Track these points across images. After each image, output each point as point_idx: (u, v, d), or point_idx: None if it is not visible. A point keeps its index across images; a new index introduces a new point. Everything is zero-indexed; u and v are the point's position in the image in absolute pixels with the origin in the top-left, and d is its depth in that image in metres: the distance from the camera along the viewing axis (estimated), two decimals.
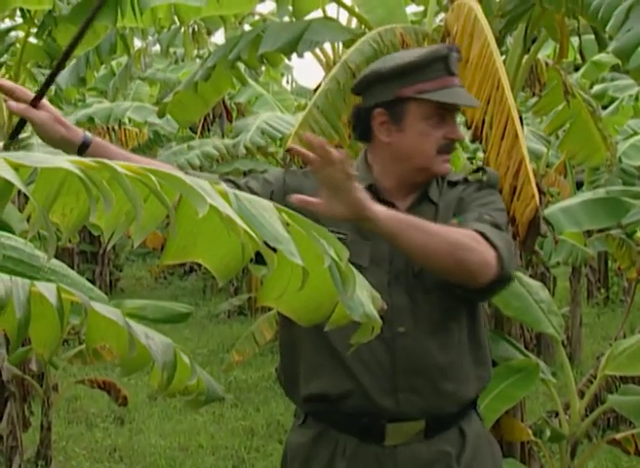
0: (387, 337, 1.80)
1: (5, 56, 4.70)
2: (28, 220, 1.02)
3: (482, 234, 1.70)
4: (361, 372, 1.82)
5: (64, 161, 0.86)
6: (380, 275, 1.80)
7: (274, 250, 0.91)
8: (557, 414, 3.39)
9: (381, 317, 1.75)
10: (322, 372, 1.85)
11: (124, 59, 6.86)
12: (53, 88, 5.67)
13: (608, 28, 2.16)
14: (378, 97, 1.82)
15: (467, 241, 1.68)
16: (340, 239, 1.72)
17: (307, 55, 3.60)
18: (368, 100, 1.84)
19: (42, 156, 0.89)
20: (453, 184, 1.89)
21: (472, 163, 7.76)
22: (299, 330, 1.75)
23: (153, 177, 0.88)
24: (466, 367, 1.88)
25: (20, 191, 0.87)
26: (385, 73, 1.80)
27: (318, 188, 1.63)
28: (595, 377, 3.27)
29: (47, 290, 1.04)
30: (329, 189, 1.58)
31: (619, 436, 3.13)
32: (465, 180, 1.89)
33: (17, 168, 0.85)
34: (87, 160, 0.87)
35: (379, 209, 1.61)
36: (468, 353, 1.88)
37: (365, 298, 1.08)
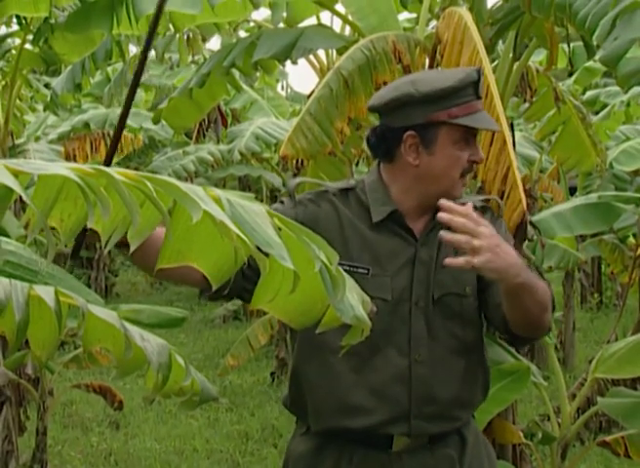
0: (404, 366, 1.83)
1: (1, 62, 4.73)
2: (26, 227, 1.05)
3: (547, 285, 1.82)
4: (376, 404, 1.83)
5: (63, 168, 0.89)
6: (403, 305, 1.83)
7: (266, 254, 0.94)
8: (549, 418, 3.42)
9: (399, 346, 1.83)
10: (334, 404, 1.86)
11: (119, 65, 6.88)
12: (48, 93, 5.70)
13: (595, 37, 2.20)
14: (409, 120, 1.81)
15: (548, 302, 1.80)
16: (361, 274, 1.79)
17: (302, 61, 3.65)
18: (396, 122, 1.82)
19: (41, 163, 0.92)
20: None
21: None
22: (310, 363, 1.84)
23: (149, 184, 0.91)
24: (477, 392, 1.94)
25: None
26: (419, 97, 1.79)
27: (337, 214, 1.82)
28: (587, 381, 3.31)
29: (45, 293, 1.07)
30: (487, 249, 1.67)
31: (609, 438, 3.16)
32: (476, 208, 1.85)
33: (16, 174, 0.88)
34: (84, 166, 0.90)
35: (521, 274, 1.70)
36: (479, 379, 1.94)
37: (355, 301, 1.11)
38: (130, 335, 1.11)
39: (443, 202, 1.69)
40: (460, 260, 1.65)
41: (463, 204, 1.84)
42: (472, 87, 1.81)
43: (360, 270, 1.81)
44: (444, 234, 1.67)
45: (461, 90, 1.80)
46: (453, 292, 1.86)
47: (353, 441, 1.86)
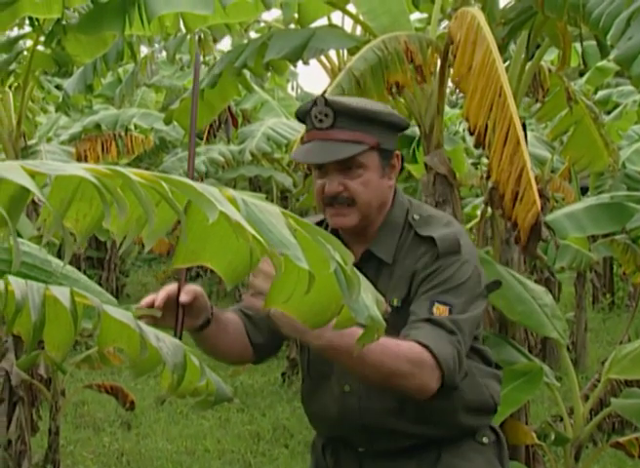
0: (337, 395, 1.87)
1: (14, 64, 4.75)
2: (39, 228, 1.05)
3: (427, 347, 1.65)
4: (324, 423, 1.96)
5: (79, 168, 0.89)
6: None
7: (281, 255, 0.94)
8: (562, 419, 3.41)
9: (337, 376, 1.83)
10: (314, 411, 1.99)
11: (130, 67, 6.90)
12: (60, 95, 5.72)
13: (609, 37, 2.19)
14: None
15: (406, 368, 1.64)
16: None
17: (313, 61, 3.64)
18: None
19: (57, 164, 0.92)
20: (421, 238, 1.82)
21: (477, 168, 7.78)
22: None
23: (164, 184, 0.91)
24: (426, 419, 1.83)
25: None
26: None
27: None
28: (599, 381, 3.29)
29: (61, 293, 1.07)
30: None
31: (622, 439, 3.15)
32: (428, 239, 1.79)
33: (33, 175, 0.88)
34: (100, 167, 0.91)
35: (323, 335, 1.56)
36: (427, 408, 1.80)
37: (369, 301, 1.10)
38: (145, 335, 1.11)
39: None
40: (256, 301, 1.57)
41: (424, 237, 1.80)
42: (307, 117, 1.79)
43: None
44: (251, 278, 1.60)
45: (302, 119, 1.82)
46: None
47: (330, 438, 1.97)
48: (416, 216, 1.85)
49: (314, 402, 1.95)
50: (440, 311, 1.72)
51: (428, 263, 1.78)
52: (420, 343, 1.67)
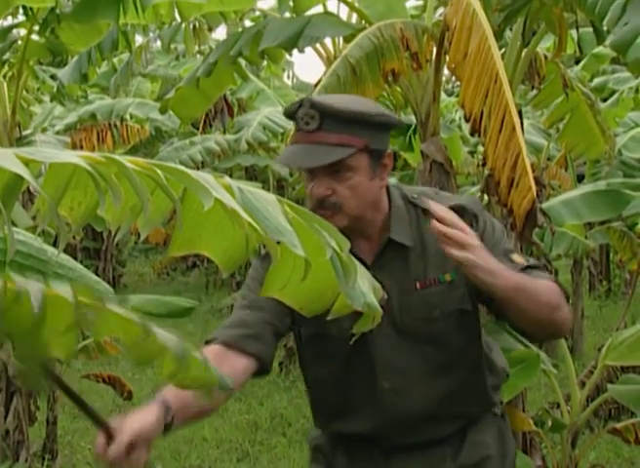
0: (372, 392, 1.82)
1: (7, 53, 4.72)
2: (34, 217, 1.04)
3: (556, 282, 1.79)
4: (352, 417, 1.87)
5: (73, 156, 0.88)
6: (364, 336, 1.64)
7: (277, 242, 0.93)
8: (558, 405, 3.42)
9: (366, 373, 1.80)
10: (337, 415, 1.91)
11: (125, 56, 6.88)
12: (54, 85, 5.70)
13: (605, 22, 2.19)
14: None
15: (557, 299, 1.76)
16: None
17: (308, 50, 3.63)
18: None
19: (51, 151, 0.92)
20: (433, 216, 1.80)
21: (473, 156, 7.78)
22: (318, 372, 1.88)
23: (159, 171, 0.91)
24: (474, 399, 1.88)
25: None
26: None
27: None
28: (596, 368, 3.30)
29: (63, 289, 1.06)
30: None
31: (619, 425, 3.16)
32: (455, 210, 1.77)
33: (27, 163, 0.87)
34: (94, 154, 0.90)
35: (499, 274, 1.67)
36: (477, 386, 1.88)
37: (366, 288, 1.10)
38: (147, 324, 1.10)
39: (433, 207, 1.67)
40: (455, 252, 1.64)
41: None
42: (293, 118, 1.75)
43: None
44: (437, 226, 1.65)
45: (290, 118, 1.78)
46: (421, 317, 1.80)
47: (348, 436, 1.91)
48: (414, 195, 1.85)
49: (335, 399, 1.87)
50: (518, 259, 1.80)
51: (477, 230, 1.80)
52: (552, 280, 1.79)
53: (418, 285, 1.80)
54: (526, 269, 1.77)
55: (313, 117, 1.71)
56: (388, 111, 1.82)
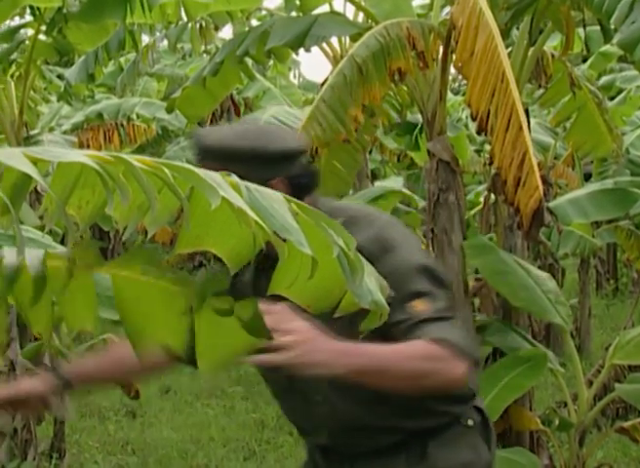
0: (307, 406, 1.84)
1: (15, 53, 4.74)
2: (41, 217, 1.04)
3: (440, 341, 1.63)
4: (305, 432, 1.96)
5: (81, 155, 0.89)
6: None
7: (284, 240, 0.94)
8: (566, 404, 3.41)
9: (302, 388, 1.81)
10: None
11: (132, 56, 6.89)
12: (61, 84, 5.71)
13: (612, 21, 2.18)
14: None
15: (428, 367, 1.64)
16: None
17: (314, 49, 3.63)
18: None
19: (59, 151, 0.92)
20: None
21: (480, 155, 7.77)
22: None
23: (166, 170, 0.91)
24: (397, 411, 1.83)
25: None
26: None
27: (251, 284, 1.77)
28: (603, 367, 3.29)
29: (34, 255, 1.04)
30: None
31: (626, 424, 3.15)
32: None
33: (35, 162, 0.88)
34: (102, 153, 0.90)
35: (332, 364, 1.57)
36: (394, 400, 1.80)
37: (373, 286, 1.10)
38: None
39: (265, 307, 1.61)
40: (264, 357, 1.51)
41: None
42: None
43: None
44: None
45: None
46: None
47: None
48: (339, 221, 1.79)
49: (285, 412, 1.97)
50: (419, 306, 1.69)
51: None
52: (430, 340, 1.65)
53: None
54: (420, 323, 1.66)
55: (197, 150, 1.77)
56: (278, 141, 1.77)
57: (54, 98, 8.24)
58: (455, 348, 1.65)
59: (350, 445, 1.89)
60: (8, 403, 1.88)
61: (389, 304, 1.55)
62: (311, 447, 1.99)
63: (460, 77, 7.86)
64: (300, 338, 1.54)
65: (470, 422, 1.89)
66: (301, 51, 3.52)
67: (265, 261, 1.67)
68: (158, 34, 6.05)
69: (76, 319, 1.05)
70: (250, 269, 1.81)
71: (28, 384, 1.91)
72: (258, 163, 1.72)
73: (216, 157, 1.71)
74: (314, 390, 1.82)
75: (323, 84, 3.31)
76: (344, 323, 1.70)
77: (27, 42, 4.69)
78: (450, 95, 7.80)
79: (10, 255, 0.92)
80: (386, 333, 1.61)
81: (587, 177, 7.34)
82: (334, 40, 4.69)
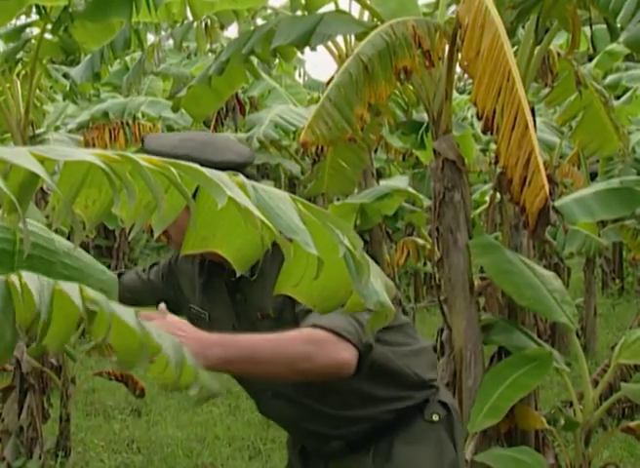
0: (266, 401, 1.92)
1: (21, 52, 4.74)
2: (47, 216, 1.04)
3: (320, 327, 1.65)
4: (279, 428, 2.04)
5: (88, 154, 0.89)
6: None
7: (290, 240, 0.94)
8: (571, 404, 3.41)
9: (259, 385, 1.85)
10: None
11: (138, 55, 6.89)
12: (67, 83, 5.72)
13: (619, 19, 2.18)
14: None
15: (305, 350, 1.64)
16: (201, 318, 1.87)
17: (320, 48, 3.62)
18: None
19: (66, 149, 0.92)
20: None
21: (485, 154, 7.76)
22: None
23: (173, 169, 0.91)
24: (358, 397, 1.86)
25: None
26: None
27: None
28: (609, 366, 3.29)
29: (71, 290, 1.05)
30: None
31: (632, 424, 3.15)
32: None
33: (42, 161, 0.88)
34: (109, 152, 0.90)
35: (210, 354, 1.58)
36: (344, 392, 1.84)
37: (379, 287, 1.10)
38: (147, 331, 1.09)
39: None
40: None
41: None
42: None
43: (201, 315, 1.93)
44: None
45: None
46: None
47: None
48: None
49: (259, 407, 2.04)
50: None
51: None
52: (309, 326, 1.67)
53: (259, 315, 1.85)
54: (308, 311, 1.68)
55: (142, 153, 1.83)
56: (217, 153, 1.79)
57: (59, 97, 8.26)
58: (335, 333, 1.65)
59: (320, 439, 1.92)
60: None
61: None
62: (291, 448, 2.06)
63: (465, 76, 7.85)
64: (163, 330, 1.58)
65: (435, 417, 1.89)
66: (307, 50, 3.52)
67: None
68: (164, 33, 6.05)
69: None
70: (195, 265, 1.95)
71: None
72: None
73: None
74: (264, 386, 1.88)
75: (329, 83, 3.31)
76: (270, 323, 1.78)
77: (33, 41, 4.70)
78: (455, 93, 7.79)
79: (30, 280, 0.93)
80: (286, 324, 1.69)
81: (593, 177, 7.32)
82: (339, 39, 4.68)
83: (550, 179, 3.22)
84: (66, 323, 1.09)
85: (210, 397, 1.32)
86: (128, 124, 8.34)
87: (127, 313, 1.13)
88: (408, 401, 1.89)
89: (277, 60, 5.83)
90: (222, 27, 5.63)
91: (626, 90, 7.01)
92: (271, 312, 1.81)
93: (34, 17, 4.56)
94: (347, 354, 1.65)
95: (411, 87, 3.52)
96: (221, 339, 1.63)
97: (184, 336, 1.57)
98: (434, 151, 3.34)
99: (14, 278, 0.94)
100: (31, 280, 0.98)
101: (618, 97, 6.94)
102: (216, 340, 1.62)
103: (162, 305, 1.72)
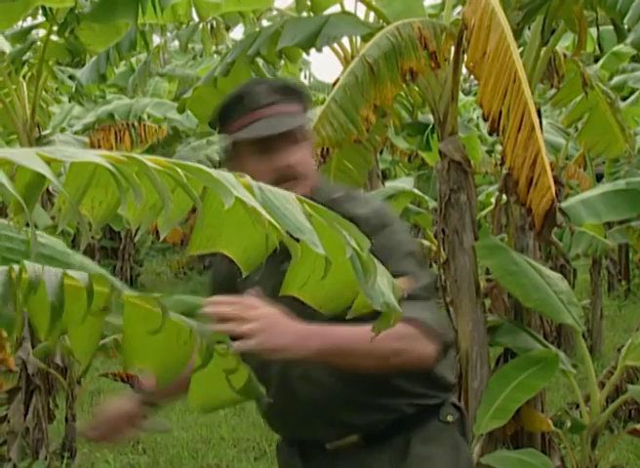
0: (283, 383, 1.83)
1: (27, 54, 4.75)
2: (53, 217, 1.05)
3: (410, 320, 1.66)
4: (275, 416, 1.92)
5: (94, 155, 0.89)
6: None
7: (297, 240, 0.93)
8: (578, 406, 3.40)
9: (275, 365, 1.80)
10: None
11: (143, 56, 6.90)
12: (73, 85, 5.73)
13: (626, 20, 2.17)
14: (225, 141, 1.88)
15: (397, 346, 1.67)
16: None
17: (325, 49, 3.62)
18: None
19: (72, 150, 0.92)
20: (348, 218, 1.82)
21: (491, 156, 7.75)
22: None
23: (180, 170, 0.91)
24: (372, 395, 1.84)
25: None
26: (213, 121, 1.88)
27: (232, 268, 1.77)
28: (616, 368, 3.28)
29: (80, 276, 1.05)
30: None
31: (639, 426, 3.13)
32: (360, 218, 1.74)
33: (49, 162, 0.88)
34: (115, 153, 0.90)
35: (310, 345, 1.61)
36: (374, 382, 1.83)
37: (385, 288, 1.10)
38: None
39: (206, 301, 1.58)
40: (236, 344, 1.52)
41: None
42: (238, 102, 1.82)
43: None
44: (213, 326, 1.56)
45: (227, 110, 1.83)
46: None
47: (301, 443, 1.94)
48: (335, 195, 1.84)
49: (268, 407, 1.91)
50: (401, 284, 1.73)
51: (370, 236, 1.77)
52: (402, 319, 1.67)
53: None
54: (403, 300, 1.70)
55: (264, 93, 1.82)
56: None
57: (65, 99, 8.27)
58: (425, 327, 1.69)
59: (338, 430, 1.86)
60: (98, 431, 1.92)
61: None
62: (292, 445, 1.96)
63: (471, 77, 7.83)
64: (262, 325, 1.57)
65: (450, 418, 1.90)
66: (312, 51, 3.52)
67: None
68: (169, 34, 6.07)
69: (77, 348, 1.04)
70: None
71: (115, 408, 1.92)
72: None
73: (288, 93, 1.84)
74: (294, 364, 1.81)
75: (334, 84, 3.31)
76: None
77: (39, 43, 4.71)
78: (461, 95, 7.78)
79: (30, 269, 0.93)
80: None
81: (599, 178, 7.31)
82: (345, 40, 4.68)
83: (556, 181, 3.22)
84: (88, 333, 1.08)
85: (217, 407, 1.32)
86: (133, 125, 8.36)
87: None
88: (431, 399, 1.90)
89: (282, 62, 5.83)
90: (228, 29, 5.63)
91: (633, 91, 7.00)
92: None
93: (40, 18, 4.57)
94: (432, 348, 1.71)
95: (416, 88, 3.51)
96: (319, 331, 1.64)
97: (285, 332, 1.59)
98: (440, 152, 3.33)
99: (15, 268, 0.94)
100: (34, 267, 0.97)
101: (624, 99, 6.92)
102: (313, 331, 1.64)
103: (254, 291, 1.64)
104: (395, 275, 1.70)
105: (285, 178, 1.77)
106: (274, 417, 1.96)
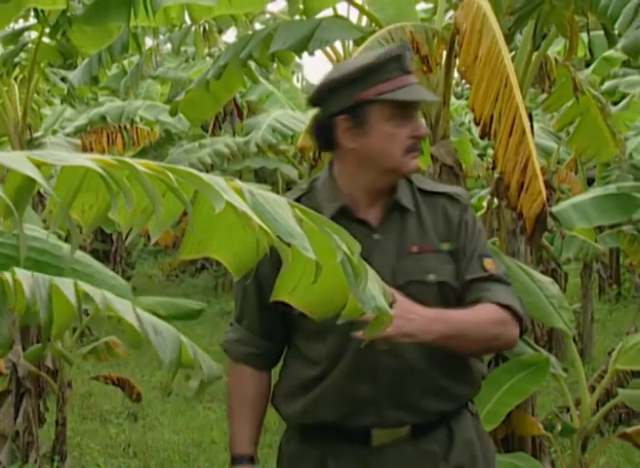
0: (363, 358, 1.79)
1: (19, 55, 4.74)
2: (44, 220, 1.05)
3: (506, 307, 1.80)
4: (344, 399, 1.83)
5: (85, 159, 0.89)
6: None
7: (288, 245, 0.93)
8: (568, 410, 3.40)
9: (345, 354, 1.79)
10: (301, 394, 1.92)
11: (135, 58, 6.89)
12: (65, 87, 5.72)
13: (617, 25, 2.18)
14: (338, 105, 1.79)
15: (496, 331, 1.81)
16: None
17: (318, 53, 3.63)
18: (329, 109, 1.81)
19: (63, 154, 0.92)
20: (428, 194, 1.88)
21: (483, 160, 7.77)
22: (294, 351, 1.91)
23: (170, 174, 0.91)
24: (459, 384, 1.89)
25: None
26: (343, 79, 1.78)
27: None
28: (606, 372, 3.29)
29: (65, 287, 1.06)
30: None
31: (629, 430, 3.14)
32: (445, 195, 1.89)
33: (39, 166, 0.87)
34: (106, 157, 0.90)
35: (435, 329, 1.72)
36: (463, 369, 1.90)
37: (376, 292, 1.10)
38: (144, 329, 1.10)
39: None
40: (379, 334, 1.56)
41: (433, 192, 1.89)
42: (396, 62, 1.78)
43: None
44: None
45: (383, 66, 1.77)
46: (415, 280, 1.82)
47: (334, 437, 1.86)
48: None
49: (323, 388, 1.86)
50: (489, 264, 1.85)
51: (460, 218, 1.86)
52: (498, 304, 1.80)
53: (415, 248, 1.84)
54: (489, 278, 1.83)
55: (410, 60, 1.83)
56: None
57: (57, 101, 8.25)
58: (514, 313, 1.81)
59: (399, 414, 1.82)
60: None
61: (471, 256, 1.83)
62: (323, 449, 1.88)
63: (463, 81, 7.85)
64: (397, 311, 1.61)
65: (474, 410, 1.95)
66: (305, 54, 3.52)
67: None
68: (162, 37, 6.06)
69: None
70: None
71: None
72: None
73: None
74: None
75: None
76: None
77: (31, 45, 4.70)
78: (453, 99, 7.80)
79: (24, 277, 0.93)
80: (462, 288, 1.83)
81: (590, 182, 7.33)
82: (337, 44, 4.69)
83: (548, 185, 3.23)
84: (65, 312, 1.09)
85: (212, 381, 1.32)
86: (125, 128, 8.35)
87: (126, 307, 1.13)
88: (475, 391, 1.96)
89: (275, 65, 5.83)
90: (220, 32, 5.63)
91: (624, 96, 7.02)
92: (445, 246, 1.85)
93: (32, 20, 4.56)
94: (517, 332, 1.83)
95: None
96: (441, 315, 1.74)
97: (415, 317, 1.69)
98: (432, 156, 3.34)
99: (7, 275, 0.94)
100: (25, 277, 0.97)
101: (615, 104, 6.95)
102: (436, 316, 1.73)
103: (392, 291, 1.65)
104: (483, 256, 1.84)
105: (415, 148, 1.82)
106: (333, 396, 1.84)
